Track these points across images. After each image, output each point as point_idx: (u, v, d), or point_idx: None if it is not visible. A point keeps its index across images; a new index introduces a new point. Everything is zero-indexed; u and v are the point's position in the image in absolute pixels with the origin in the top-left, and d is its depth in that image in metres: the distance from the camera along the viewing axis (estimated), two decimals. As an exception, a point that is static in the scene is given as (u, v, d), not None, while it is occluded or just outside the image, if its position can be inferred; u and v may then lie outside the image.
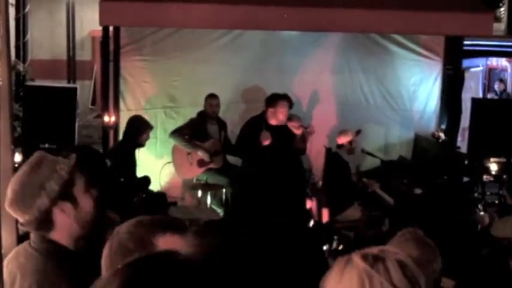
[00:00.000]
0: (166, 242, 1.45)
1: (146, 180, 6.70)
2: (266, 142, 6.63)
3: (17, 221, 2.29)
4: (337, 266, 1.42)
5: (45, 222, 1.95)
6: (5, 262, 2.02)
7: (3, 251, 2.14)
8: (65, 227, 1.98)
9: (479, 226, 5.40)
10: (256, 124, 6.79)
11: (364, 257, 1.38)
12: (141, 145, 6.59)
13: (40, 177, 1.94)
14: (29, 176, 1.94)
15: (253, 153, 6.71)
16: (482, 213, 5.46)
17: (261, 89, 7.54)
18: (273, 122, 6.77)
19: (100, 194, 2.08)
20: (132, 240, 1.45)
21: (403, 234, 2.72)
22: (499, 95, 12.72)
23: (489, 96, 12.68)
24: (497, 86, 12.77)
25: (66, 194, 1.96)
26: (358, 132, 6.81)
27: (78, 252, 2.02)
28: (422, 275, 1.38)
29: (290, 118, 6.78)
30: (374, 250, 1.41)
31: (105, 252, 1.47)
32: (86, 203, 2.02)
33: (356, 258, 1.39)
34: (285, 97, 6.86)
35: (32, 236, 2.02)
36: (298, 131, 6.73)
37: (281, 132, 6.71)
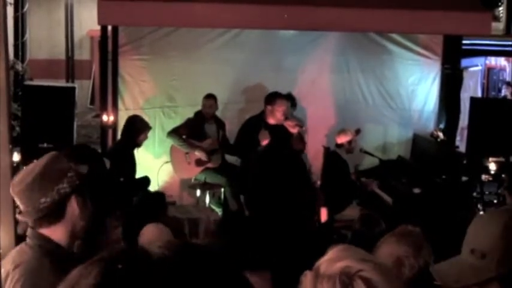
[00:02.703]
0: None
1: (146, 180, 6.72)
2: (264, 141, 6.62)
3: (15, 222, 2.29)
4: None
5: (59, 208, 2.03)
6: (2, 262, 2.05)
7: (1, 251, 2.16)
8: (71, 220, 2.06)
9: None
10: (255, 123, 6.78)
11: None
12: (139, 145, 6.61)
13: (63, 166, 2.06)
14: (52, 163, 2.05)
15: (251, 152, 6.70)
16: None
17: (260, 88, 7.53)
18: (271, 120, 6.74)
19: (99, 195, 2.12)
20: None
21: (392, 233, 2.78)
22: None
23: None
24: (504, 90, 12.58)
25: (81, 189, 2.08)
26: (357, 131, 6.80)
27: (72, 252, 2.05)
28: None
29: (287, 117, 6.76)
30: (335, 268, 1.26)
31: None
32: (90, 206, 2.13)
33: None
34: (284, 96, 6.84)
35: (28, 232, 2.06)
36: (294, 130, 6.70)
37: (279, 132, 6.69)
